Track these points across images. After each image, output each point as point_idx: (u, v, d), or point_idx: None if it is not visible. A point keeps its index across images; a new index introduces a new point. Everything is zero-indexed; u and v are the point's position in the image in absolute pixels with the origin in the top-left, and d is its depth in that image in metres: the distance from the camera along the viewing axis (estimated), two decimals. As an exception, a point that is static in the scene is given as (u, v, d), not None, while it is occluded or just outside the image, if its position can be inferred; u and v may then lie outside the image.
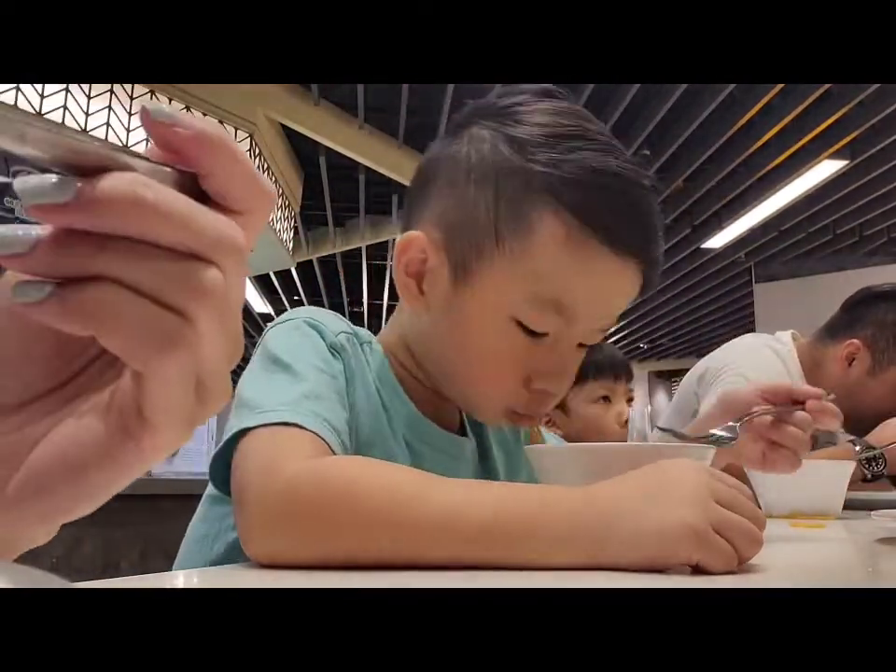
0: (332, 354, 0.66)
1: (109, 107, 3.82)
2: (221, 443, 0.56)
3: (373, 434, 0.66)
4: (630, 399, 1.47)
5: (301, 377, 0.60)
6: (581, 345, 0.67)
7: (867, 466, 1.26)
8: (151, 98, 4.03)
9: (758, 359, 1.56)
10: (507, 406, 0.67)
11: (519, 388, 0.65)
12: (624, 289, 0.65)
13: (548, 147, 0.61)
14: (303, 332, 0.66)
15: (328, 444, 0.55)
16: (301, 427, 0.55)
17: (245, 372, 0.64)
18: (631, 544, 0.47)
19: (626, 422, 1.42)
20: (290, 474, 0.51)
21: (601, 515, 0.49)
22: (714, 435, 0.93)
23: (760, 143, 5.15)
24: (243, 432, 0.55)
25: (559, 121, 0.62)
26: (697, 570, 0.47)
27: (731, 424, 0.90)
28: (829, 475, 1.01)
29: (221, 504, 0.71)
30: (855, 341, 1.52)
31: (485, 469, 0.80)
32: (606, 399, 1.42)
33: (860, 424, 1.40)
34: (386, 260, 7.74)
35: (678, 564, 0.47)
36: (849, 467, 1.01)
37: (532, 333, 0.63)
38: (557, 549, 0.48)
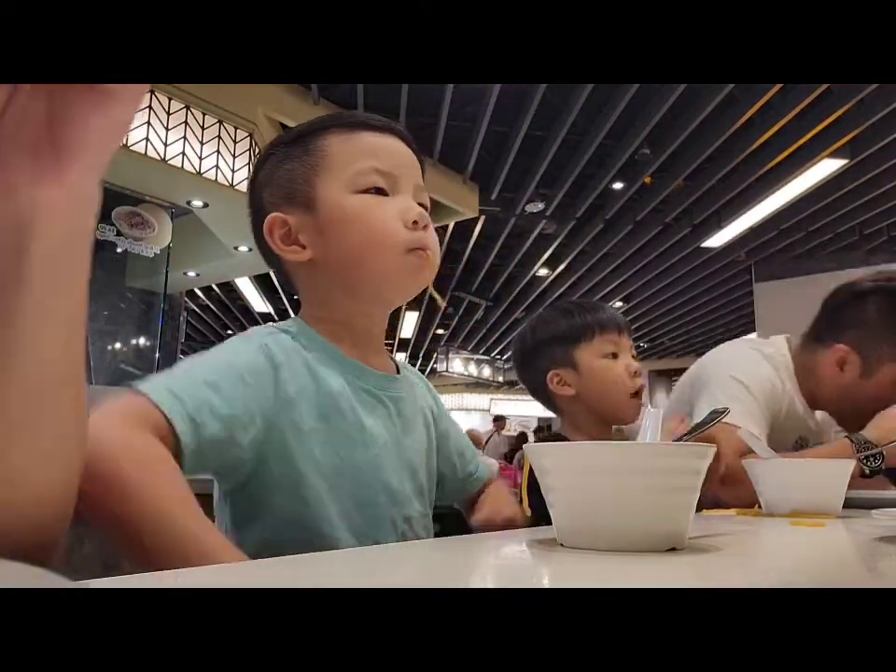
0: (264, 355, 0.77)
1: (109, 107, 3.81)
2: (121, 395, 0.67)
3: (340, 398, 0.79)
4: (634, 357, 1.47)
5: (198, 362, 0.73)
6: (420, 206, 0.86)
7: (865, 462, 1.26)
8: (151, 98, 4.03)
9: (749, 364, 1.55)
10: (405, 244, 0.82)
11: (400, 226, 0.82)
12: (404, 153, 0.88)
13: (319, 123, 0.90)
14: (234, 339, 0.81)
15: (162, 413, 0.64)
16: (142, 395, 0.65)
17: None
18: None
19: (636, 373, 1.42)
20: (104, 439, 0.59)
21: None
22: (713, 413, 0.94)
23: (759, 142, 5.15)
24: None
25: None
26: None
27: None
28: (829, 474, 1.01)
29: (225, 506, 0.80)
30: (843, 346, 1.49)
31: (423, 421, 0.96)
32: (614, 355, 1.42)
33: (861, 421, 1.39)
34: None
35: None
36: (849, 465, 1.01)
37: (376, 191, 0.83)
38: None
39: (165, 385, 0.67)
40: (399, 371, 0.93)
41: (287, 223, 0.85)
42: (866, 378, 1.49)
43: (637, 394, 1.40)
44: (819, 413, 1.60)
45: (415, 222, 0.83)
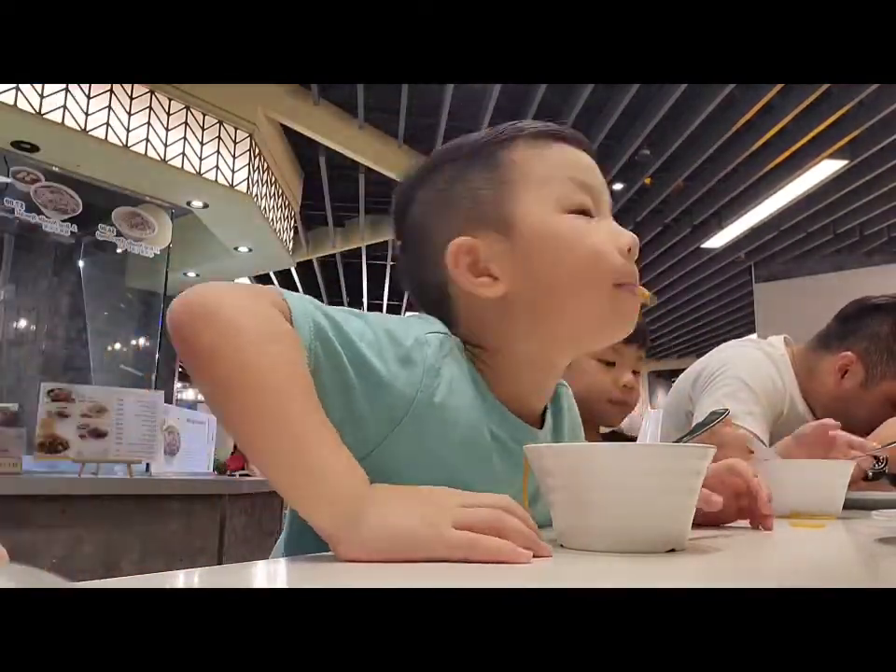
0: (419, 345, 0.68)
1: (109, 107, 3.82)
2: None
3: (471, 429, 0.69)
4: (636, 372, 1.39)
5: (370, 321, 0.66)
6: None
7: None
8: (151, 98, 4.03)
9: (752, 363, 1.55)
10: (617, 274, 0.70)
11: (616, 254, 0.70)
12: (595, 169, 0.76)
13: (502, 133, 0.77)
14: (398, 317, 0.73)
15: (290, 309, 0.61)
16: (286, 302, 0.61)
17: None
18: (374, 542, 0.51)
19: (627, 387, 1.33)
20: (223, 295, 0.58)
21: (356, 505, 0.52)
22: (713, 414, 0.93)
23: (760, 143, 5.15)
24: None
25: None
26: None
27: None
28: (829, 475, 1.01)
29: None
30: (849, 353, 1.51)
31: None
32: (609, 363, 1.33)
33: (852, 432, 1.41)
34: (386, 260, 7.74)
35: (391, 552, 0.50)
36: (849, 466, 1.01)
37: (582, 213, 0.71)
38: (307, 497, 0.54)
39: (309, 305, 0.63)
40: (544, 418, 0.80)
41: (475, 249, 0.72)
42: (864, 389, 1.50)
43: (623, 403, 1.37)
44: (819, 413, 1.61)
45: (629, 250, 0.71)
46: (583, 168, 0.74)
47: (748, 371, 1.52)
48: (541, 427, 0.79)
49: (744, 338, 1.81)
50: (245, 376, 0.55)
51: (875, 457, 1.26)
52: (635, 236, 0.72)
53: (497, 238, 0.72)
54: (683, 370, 1.76)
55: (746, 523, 0.91)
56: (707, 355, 1.69)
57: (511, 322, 0.73)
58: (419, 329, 0.69)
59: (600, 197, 0.73)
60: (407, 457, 0.65)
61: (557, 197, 0.71)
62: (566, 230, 0.70)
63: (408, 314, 0.76)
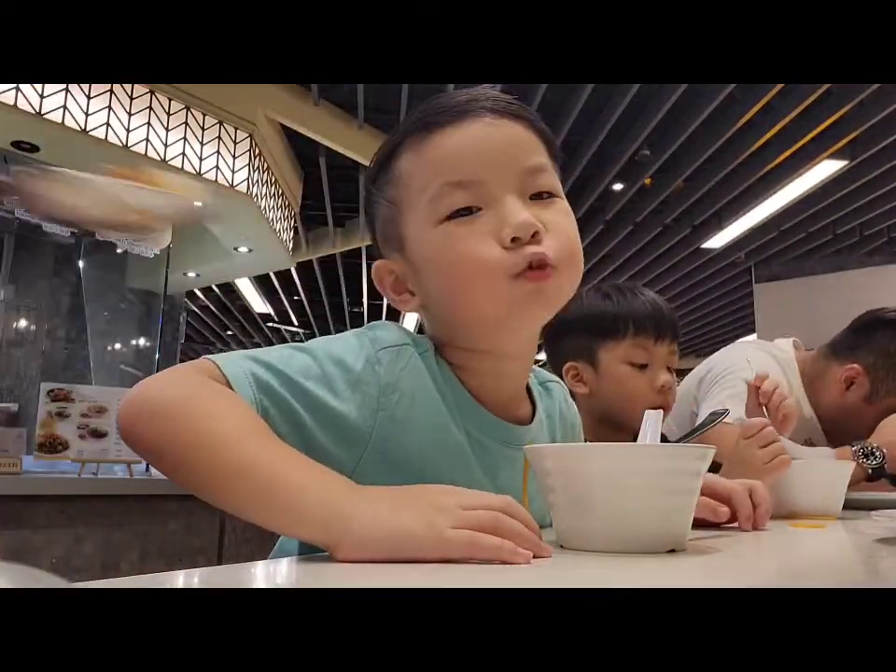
0: (370, 365, 0.67)
1: (109, 107, 3.82)
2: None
3: (441, 432, 0.69)
4: (670, 369, 1.25)
5: (295, 348, 0.67)
6: (538, 196, 0.69)
7: (865, 459, 1.26)
8: (151, 99, 4.03)
9: (757, 365, 1.55)
10: (506, 271, 0.66)
11: (497, 250, 0.66)
12: (499, 136, 0.68)
13: (392, 141, 0.75)
14: (349, 335, 0.71)
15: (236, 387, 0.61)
16: (219, 367, 0.62)
17: None
18: (368, 543, 0.50)
19: (665, 388, 1.21)
20: (160, 385, 0.61)
21: (345, 509, 0.52)
22: (713, 414, 0.93)
23: (760, 143, 5.15)
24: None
25: None
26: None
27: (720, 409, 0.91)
28: (828, 475, 1.01)
29: None
30: (856, 366, 1.51)
31: None
32: (642, 366, 1.23)
33: (844, 438, 1.42)
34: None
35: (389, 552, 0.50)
36: (849, 467, 1.01)
37: (463, 214, 0.67)
38: (292, 521, 0.53)
39: (249, 368, 0.63)
40: (534, 414, 0.80)
41: (394, 270, 0.75)
42: (868, 403, 1.50)
43: (661, 407, 1.25)
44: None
45: (514, 238, 0.65)
46: (457, 158, 0.67)
47: (753, 373, 1.52)
48: (530, 423, 0.78)
49: (748, 339, 1.81)
50: (197, 448, 0.56)
51: (872, 453, 1.26)
52: (524, 217, 0.65)
53: (400, 257, 0.74)
54: (684, 369, 1.76)
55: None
56: (713, 356, 1.69)
57: (439, 328, 0.74)
58: (371, 347, 0.68)
59: (487, 181, 0.67)
60: (386, 475, 0.64)
61: (432, 207, 0.68)
62: (438, 244, 0.68)
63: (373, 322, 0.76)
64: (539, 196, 0.69)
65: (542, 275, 0.66)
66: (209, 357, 0.64)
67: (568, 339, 1.30)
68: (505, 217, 0.66)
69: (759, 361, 1.57)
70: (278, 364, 0.64)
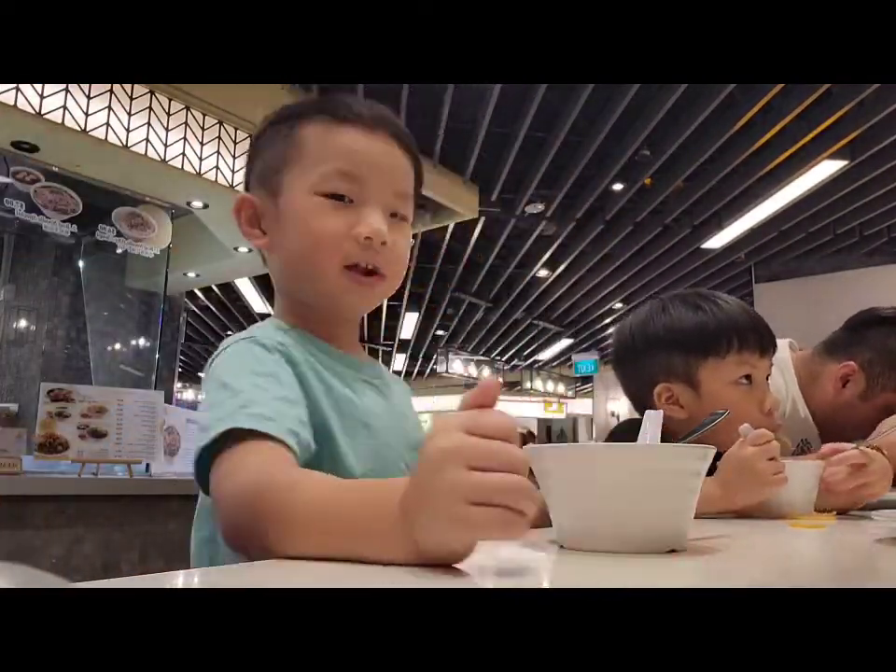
0: (271, 352, 0.75)
1: (109, 107, 3.82)
2: (194, 465, 0.66)
3: (320, 385, 0.77)
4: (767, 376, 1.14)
5: (234, 391, 0.69)
6: (394, 216, 0.82)
7: None
8: (151, 99, 4.03)
9: None
10: (343, 257, 0.78)
11: (347, 239, 0.78)
12: (391, 157, 0.82)
13: (310, 106, 0.86)
14: (237, 350, 0.77)
15: (267, 434, 0.63)
16: (239, 429, 0.64)
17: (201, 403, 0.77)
18: (424, 537, 0.47)
19: (770, 412, 1.10)
20: (229, 486, 0.61)
21: (393, 511, 0.49)
22: (714, 414, 0.93)
23: (760, 143, 5.15)
24: (205, 449, 0.65)
25: None
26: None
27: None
28: (806, 475, 1.01)
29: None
30: (852, 363, 1.51)
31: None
32: (748, 378, 1.09)
33: (839, 437, 1.42)
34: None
35: (468, 550, 0.47)
36: (818, 467, 1.02)
37: (337, 198, 0.78)
38: (372, 542, 0.50)
39: (249, 414, 0.66)
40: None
41: (255, 206, 0.84)
42: (863, 400, 1.51)
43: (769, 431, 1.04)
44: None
45: (367, 238, 0.77)
46: (358, 155, 0.79)
47: None
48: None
49: None
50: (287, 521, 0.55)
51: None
52: (377, 227, 0.78)
53: (269, 201, 0.82)
54: None
55: (745, 521, 0.91)
56: None
57: (283, 277, 0.86)
58: (258, 346, 0.76)
59: (367, 184, 0.79)
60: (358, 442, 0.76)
61: (318, 180, 0.78)
62: (303, 210, 0.79)
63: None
64: (395, 215, 0.83)
65: (368, 281, 0.80)
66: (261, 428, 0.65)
67: (657, 358, 1.14)
68: (366, 217, 0.78)
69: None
70: (256, 404, 0.67)
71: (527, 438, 9.58)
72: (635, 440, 0.70)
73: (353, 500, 0.54)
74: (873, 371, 1.50)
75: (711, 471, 0.69)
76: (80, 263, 4.76)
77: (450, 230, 7.00)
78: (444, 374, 13.01)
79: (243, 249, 5.38)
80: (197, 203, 4.61)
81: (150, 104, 4.03)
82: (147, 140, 3.98)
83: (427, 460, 0.47)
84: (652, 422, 0.68)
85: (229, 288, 8.61)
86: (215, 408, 0.69)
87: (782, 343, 1.65)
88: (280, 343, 0.77)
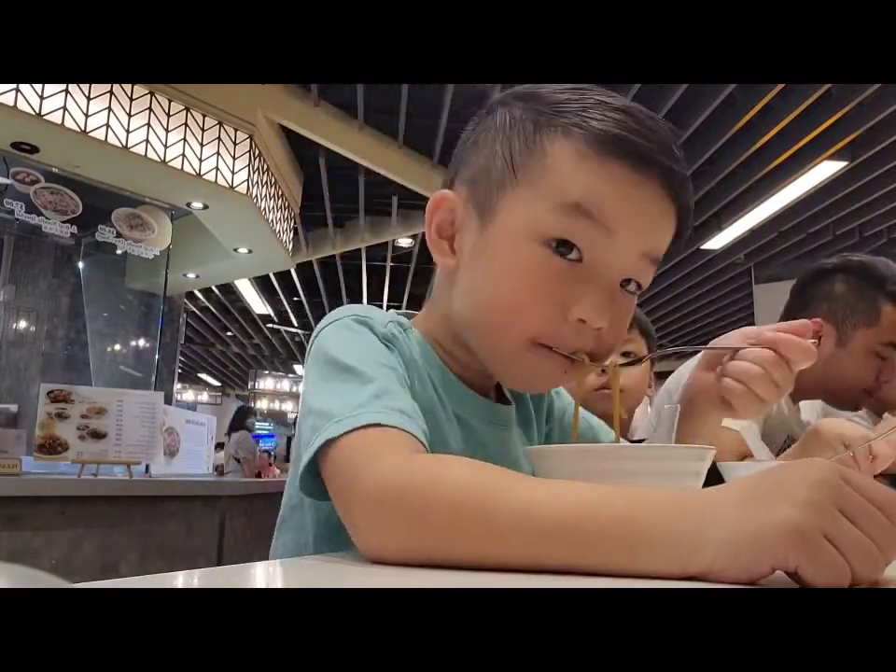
0: (386, 346, 0.66)
1: (109, 108, 3.82)
2: (307, 456, 0.57)
3: (428, 414, 0.64)
4: (625, 353, 1.40)
5: (366, 377, 0.60)
6: (626, 284, 0.65)
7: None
8: (151, 100, 4.03)
9: None
10: (538, 335, 0.63)
11: (556, 319, 0.62)
12: (653, 206, 0.62)
13: (554, 92, 0.62)
14: (354, 330, 0.67)
15: (411, 434, 0.56)
16: (381, 425, 0.55)
17: (305, 380, 0.65)
18: (725, 552, 0.41)
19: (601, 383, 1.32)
20: (380, 474, 0.52)
21: (694, 518, 0.43)
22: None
23: (759, 144, 5.15)
24: (328, 442, 0.56)
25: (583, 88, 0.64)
26: (800, 583, 0.40)
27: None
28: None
29: (301, 512, 0.73)
30: (816, 319, 1.53)
31: (528, 435, 0.83)
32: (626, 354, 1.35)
33: (846, 396, 1.42)
34: (386, 262, 7.74)
35: (772, 569, 0.40)
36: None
37: (565, 255, 0.61)
38: (641, 553, 0.43)
39: (389, 407, 0.57)
40: (504, 398, 0.79)
41: (454, 213, 0.68)
42: (841, 347, 1.52)
43: (597, 389, 1.34)
44: (803, 414, 1.61)
45: (580, 320, 0.62)
46: (607, 199, 0.60)
47: None
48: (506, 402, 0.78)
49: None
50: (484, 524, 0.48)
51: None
52: (601, 315, 0.62)
53: (475, 213, 0.66)
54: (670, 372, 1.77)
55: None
56: (693, 358, 1.70)
57: (452, 306, 0.70)
58: (375, 335, 0.67)
59: (613, 237, 0.61)
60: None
61: (546, 218, 0.61)
62: (515, 259, 0.62)
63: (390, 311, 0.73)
64: (628, 282, 0.65)
65: (565, 363, 0.64)
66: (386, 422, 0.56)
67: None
68: (589, 294, 0.62)
69: None
70: (385, 395, 0.59)
71: None
72: None
73: (614, 510, 0.46)
74: (836, 318, 1.52)
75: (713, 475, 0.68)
76: (80, 264, 4.76)
77: (450, 230, 6.99)
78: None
79: (242, 250, 5.38)
80: (197, 204, 4.61)
81: (150, 104, 4.03)
82: (147, 141, 3.98)
83: (787, 476, 0.42)
84: (667, 417, 0.68)
85: (228, 289, 8.61)
86: (339, 393, 0.59)
87: None
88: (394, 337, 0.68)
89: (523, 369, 0.66)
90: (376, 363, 0.63)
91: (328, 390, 0.61)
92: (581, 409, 0.91)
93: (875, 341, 1.46)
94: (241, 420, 6.42)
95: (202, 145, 4.28)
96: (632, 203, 0.61)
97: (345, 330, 0.67)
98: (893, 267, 1.51)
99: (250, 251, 5.41)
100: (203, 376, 15.54)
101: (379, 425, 0.55)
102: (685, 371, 1.69)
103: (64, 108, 3.61)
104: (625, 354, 1.43)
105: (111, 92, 3.82)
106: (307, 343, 0.67)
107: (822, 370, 1.53)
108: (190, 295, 8.43)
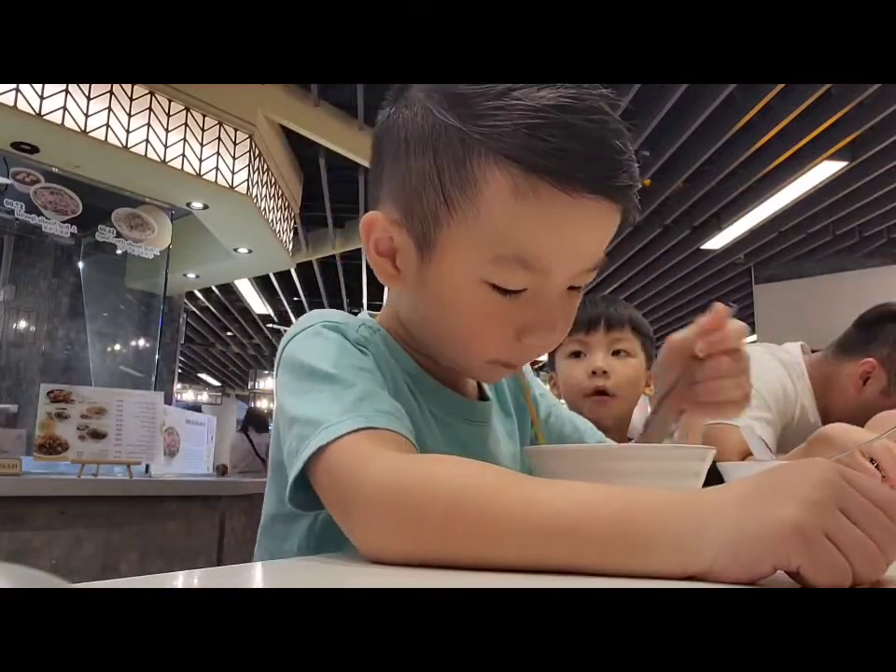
0: (360, 350, 0.66)
1: (109, 108, 3.82)
2: (299, 463, 0.56)
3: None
4: (617, 352, 1.42)
5: (347, 383, 0.60)
6: (572, 289, 0.65)
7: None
8: (151, 100, 4.03)
9: (762, 368, 1.53)
10: (496, 359, 0.66)
11: (510, 343, 0.64)
12: (593, 227, 0.60)
13: (482, 97, 0.57)
14: (326, 337, 0.66)
15: (401, 435, 0.56)
16: (371, 428, 0.55)
17: (280, 390, 0.64)
18: (726, 552, 0.41)
19: (600, 372, 1.37)
20: (375, 475, 0.51)
21: (694, 518, 0.43)
22: None
23: (759, 144, 5.15)
24: (319, 450, 0.55)
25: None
26: (802, 583, 0.39)
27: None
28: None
29: (291, 521, 0.71)
30: (871, 360, 1.50)
31: (508, 428, 0.83)
32: (577, 354, 1.41)
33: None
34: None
35: (774, 569, 0.40)
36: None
37: (507, 292, 0.61)
38: (641, 554, 0.43)
39: (375, 409, 0.57)
40: (482, 391, 0.80)
41: (390, 237, 0.66)
42: (886, 396, 1.49)
43: (596, 392, 1.38)
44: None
45: (525, 340, 0.64)
46: (546, 239, 0.58)
47: (756, 376, 1.52)
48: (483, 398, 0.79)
49: (757, 343, 1.79)
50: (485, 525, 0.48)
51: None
52: (548, 332, 0.63)
53: (414, 244, 0.64)
54: None
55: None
56: None
57: (411, 322, 0.71)
58: (349, 345, 0.67)
59: (549, 273, 0.60)
60: None
61: (484, 269, 0.60)
62: (464, 298, 0.62)
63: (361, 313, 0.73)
64: (574, 289, 0.66)
65: (508, 372, 0.69)
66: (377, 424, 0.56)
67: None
68: (539, 321, 0.62)
69: (762, 364, 1.55)
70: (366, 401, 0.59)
71: None
72: None
73: (613, 510, 0.45)
74: (893, 366, 1.49)
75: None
76: (80, 264, 4.76)
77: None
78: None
79: (242, 250, 5.38)
80: (197, 204, 4.61)
81: (150, 104, 4.03)
82: (147, 141, 3.98)
83: (789, 476, 0.42)
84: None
85: (228, 289, 8.61)
86: (321, 401, 0.58)
87: (794, 347, 1.64)
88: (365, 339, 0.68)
89: (485, 375, 0.72)
90: (353, 368, 0.62)
91: (309, 399, 0.60)
92: (570, 411, 0.93)
93: None
94: (267, 421, 6.41)
95: (202, 145, 4.27)
96: (571, 234, 0.59)
97: (317, 337, 0.66)
98: None
99: (250, 251, 5.41)
100: (203, 376, 15.54)
101: (369, 428, 0.55)
102: None
103: (64, 108, 3.61)
104: (616, 353, 1.43)
105: (111, 92, 3.82)
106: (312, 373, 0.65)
107: (858, 410, 1.51)
108: (190, 295, 8.42)
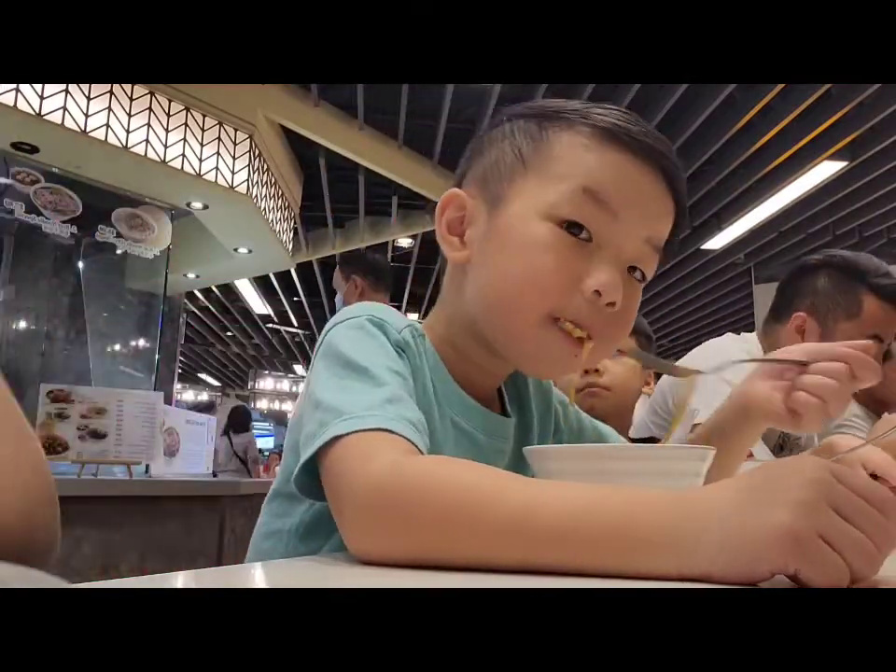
0: (398, 352, 0.66)
1: (109, 109, 3.82)
2: (311, 449, 0.56)
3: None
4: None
5: (379, 381, 0.60)
6: (632, 272, 0.67)
7: None
8: (151, 100, 4.03)
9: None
10: (554, 306, 0.64)
11: (570, 292, 0.64)
12: (652, 196, 0.66)
13: (556, 110, 0.68)
14: (369, 331, 0.66)
15: (415, 445, 0.55)
16: (391, 432, 0.55)
17: (314, 374, 0.64)
18: (724, 555, 0.41)
19: (592, 371, 1.37)
20: (374, 473, 0.51)
21: (692, 521, 0.43)
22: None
23: (759, 144, 5.15)
24: (333, 439, 0.55)
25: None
26: (799, 584, 0.40)
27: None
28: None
29: (290, 502, 0.72)
30: (800, 314, 1.56)
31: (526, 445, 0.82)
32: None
33: None
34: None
35: (771, 574, 0.40)
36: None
37: (576, 234, 0.64)
38: (640, 555, 0.43)
39: (399, 415, 0.57)
40: (505, 409, 0.79)
41: (465, 207, 0.70)
42: (826, 341, 1.52)
43: (581, 389, 1.38)
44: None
45: (596, 292, 0.63)
46: (613, 182, 0.64)
47: (732, 371, 1.52)
48: (507, 415, 0.78)
49: (723, 336, 1.82)
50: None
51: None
52: (615, 282, 0.64)
53: (484, 208, 0.69)
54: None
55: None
56: (688, 354, 1.71)
57: (466, 296, 0.70)
58: (387, 335, 0.67)
59: (618, 218, 0.64)
60: None
61: (554, 200, 0.64)
62: (530, 236, 0.64)
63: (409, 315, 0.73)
64: (634, 270, 0.68)
65: (576, 347, 0.65)
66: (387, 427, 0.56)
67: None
68: (601, 268, 0.64)
69: (730, 355, 1.56)
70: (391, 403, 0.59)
71: None
72: None
73: (610, 512, 0.45)
74: (819, 312, 1.54)
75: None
76: (80, 264, 4.76)
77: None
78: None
79: (242, 250, 5.38)
80: (197, 204, 4.61)
81: (150, 104, 4.03)
82: (147, 141, 3.98)
83: (780, 475, 0.43)
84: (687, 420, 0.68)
85: (228, 289, 8.61)
86: (349, 391, 0.59)
87: (752, 336, 1.68)
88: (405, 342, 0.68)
89: (535, 348, 0.67)
90: (388, 369, 0.62)
91: (338, 387, 0.60)
92: (590, 418, 0.91)
93: (858, 333, 1.46)
94: (246, 421, 6.42)
95: (202, 145, 4.27)
96: (634, 189, 0.65)
97: (360, 330, 0.66)
98: (875, 261, 1.53)
99: (250, 251, 5.41)
100: (203, 376, 15.54)
101: (388, 431, 0.55)
102: (664, 386, 1.68)
103: (64, 108, 3.61)
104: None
105: (111, 92, 3.82)
106: (307, 343, 0.66)
107: None
108: (190, 295, 8.42)
